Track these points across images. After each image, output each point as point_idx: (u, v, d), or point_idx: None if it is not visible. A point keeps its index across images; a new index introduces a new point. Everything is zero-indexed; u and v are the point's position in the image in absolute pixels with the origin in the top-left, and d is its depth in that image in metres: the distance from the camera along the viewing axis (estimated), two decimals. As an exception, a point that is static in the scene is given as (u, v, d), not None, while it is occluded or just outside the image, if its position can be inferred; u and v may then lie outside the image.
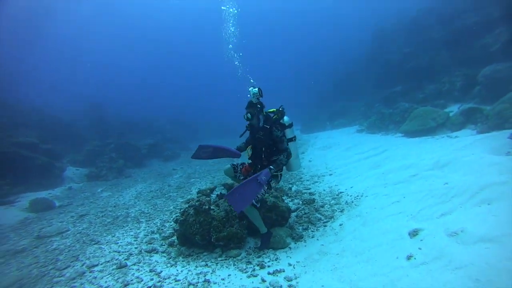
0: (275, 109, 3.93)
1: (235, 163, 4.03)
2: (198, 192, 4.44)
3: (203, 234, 3.75)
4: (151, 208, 6.21)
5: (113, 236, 4.58)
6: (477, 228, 2.51)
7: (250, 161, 3.95)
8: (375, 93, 17.31)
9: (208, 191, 4.68)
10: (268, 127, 3.68)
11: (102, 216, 5.96)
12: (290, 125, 3.89)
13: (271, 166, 3.42)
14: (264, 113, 3.83)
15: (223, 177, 9.55)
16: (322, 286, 2.58)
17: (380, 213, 3.84)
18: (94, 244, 4.32)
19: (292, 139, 3.90)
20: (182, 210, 4.08)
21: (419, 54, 14.85)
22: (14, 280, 3.34)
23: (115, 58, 48.68)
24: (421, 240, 2.73)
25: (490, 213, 2.67)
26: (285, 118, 3.89)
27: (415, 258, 2.49)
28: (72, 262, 3.73)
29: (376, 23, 21.95)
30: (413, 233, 2.89)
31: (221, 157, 4.04)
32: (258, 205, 3.66)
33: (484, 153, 4.56)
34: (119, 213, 6.02)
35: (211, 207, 4.00)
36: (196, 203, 3.91)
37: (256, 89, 3.73)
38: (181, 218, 3.93)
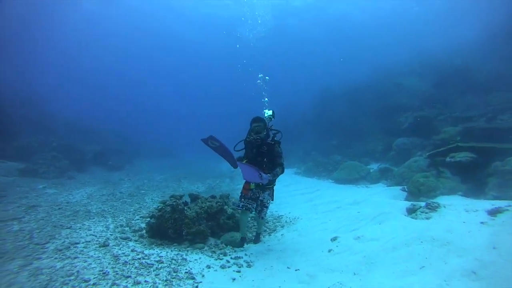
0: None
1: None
2: (171, 197, 5.16)
3: (176, 228, 4.54)
4: (111, 208, 6.54)
5: (83, 225, 4.93)
6: (370, 234, 4.10)
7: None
8: (314, 141, 20.01)
9: (178, 196, 5.44)
10: (273, 143, 4.27)
11: (59, 208, 6.05)
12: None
13: (268, 174, 3.98)
14: (270, 129, 4.39)
15: (172, 192, 10.05)
16: (271, 266, 3.68)
17: (312, 229, 5.22)
18: (67, 228, 4.64)
19: None
20: (158, 207, 4.81)
21: (355, 118, 18.24)
22: (-4, 247, 3.60)
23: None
24: (338, 242, 4.14)
25: (379, 228, 4.34)
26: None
27: (333, 251, 3.85)
28: (50, 239, 4.06)
29: (324, 85, 25.77)
30: (333, 239, 4.29)
31: (223, 157, 4.25)
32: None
33: (385, 198, 6.52)
34: (78, 209, 6.19)
35: (185, 208, 4.85)
36: (173, 203, 4.72)
37: (271, 111, 4.45)
38: (158, 213, 4.66)
